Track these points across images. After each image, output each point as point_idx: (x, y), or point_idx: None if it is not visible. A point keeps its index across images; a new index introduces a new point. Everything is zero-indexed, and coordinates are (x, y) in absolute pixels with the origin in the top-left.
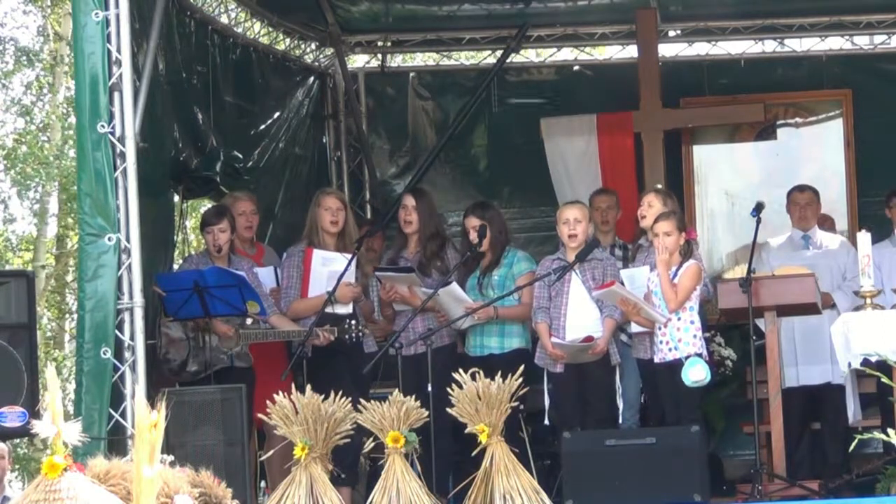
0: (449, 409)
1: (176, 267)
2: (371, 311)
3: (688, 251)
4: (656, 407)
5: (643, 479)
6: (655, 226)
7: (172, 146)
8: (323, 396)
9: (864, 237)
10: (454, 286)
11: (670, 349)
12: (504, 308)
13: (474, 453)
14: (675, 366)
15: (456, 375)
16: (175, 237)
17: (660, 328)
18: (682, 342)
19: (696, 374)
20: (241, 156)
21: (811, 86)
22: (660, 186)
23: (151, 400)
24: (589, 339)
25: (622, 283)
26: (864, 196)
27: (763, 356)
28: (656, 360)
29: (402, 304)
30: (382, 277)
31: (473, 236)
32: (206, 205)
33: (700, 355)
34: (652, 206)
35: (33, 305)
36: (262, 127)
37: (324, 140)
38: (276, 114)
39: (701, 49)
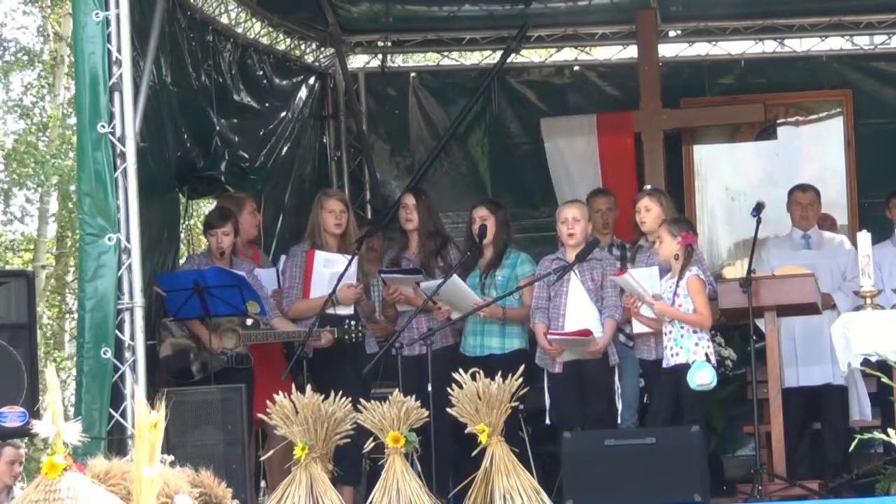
0: (449, 409)
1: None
2: (372, 311)
3: (688, 256)
4: (658, 407)
5: (643, 479)
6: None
7: (180, 147)
8: (324, 396)
9: (864, 237)
10: (455, 278)
11: (673, 354)
12: (510, 308)
13: (474, 453)
14: (680, 370)
15: (456, 375)
16: (179, 237)
17: (665, 334)
18: (684, 349)
19: (701, 377)
20: (246, 155)
21: (811, 86)
22: (649, 187)
23: (151, 400)
24: (586, 332)
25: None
26: (864, 196)
27: (763, 356)
28: (663, 365)
29: (405, 304)
30: (388, 279)
31: (476, 227)
32: (209, 204)
33: (708, 360)
34: (650, 210)
35: (33, 305)
36: (270, 127)
37: (324, 140)
38: (282, 114)
39: (701, 49)
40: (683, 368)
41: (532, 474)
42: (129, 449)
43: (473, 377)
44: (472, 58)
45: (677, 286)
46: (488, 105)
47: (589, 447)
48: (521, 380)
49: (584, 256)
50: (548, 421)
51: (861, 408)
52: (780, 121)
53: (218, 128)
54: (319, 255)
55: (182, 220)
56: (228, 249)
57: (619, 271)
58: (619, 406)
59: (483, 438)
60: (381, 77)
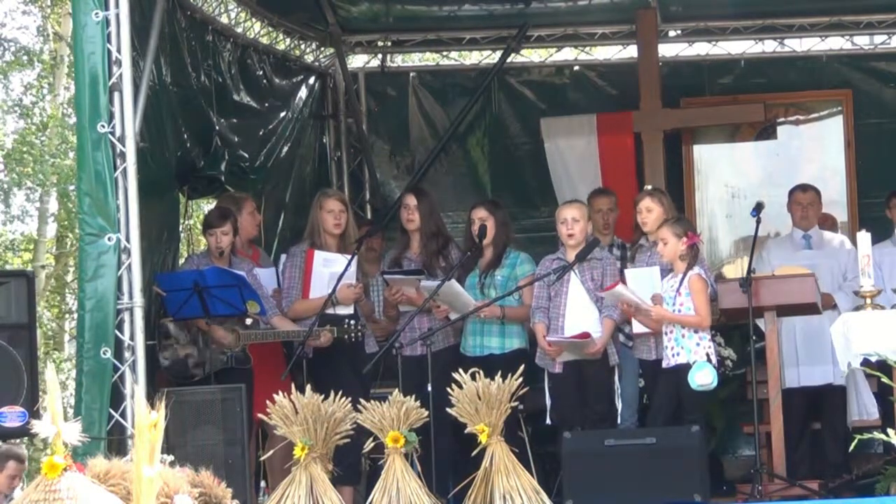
0: (449, 409)
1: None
2: (371, 311)
3: (693, 256)
4: (658, 407)
5: (643, 479)
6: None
7: (180, 147)
8: (324, 396)
9: (864, 237)
10: (452, 282)
11: (674, 354)
12: (510, 308)
13: (474, 453)
14: (680, 370)
15: (456, 375)
16: (179, 237)
17: (666, 335)
18: (685, 349)
19: (702, 377)
20: (246, 155)
21: (811, 86)
22: (650, 187)
23: (151, 400)
24: (585, 335)
25: (625, 282)
26: (864, 196)
27: (763, 356)
28: (664, 365)
29: (408, 305)
30: (390, 280)
31: (476, 228)
32: (209, 204)
33: (709, 360)
34: (651, 211)
35: (33, 305)
36: (270, 127)
37: (324, 140)
38: (282, 114)
39: (701, 49)
40: (684, 368)
41: (532, 474)
42: (129, 449)
43: (473, 377)
44: (472, 58)
45: (680, 285)
46: (488, 105)
47: (589, 447)
48: (520, 380)
49: (584, 256)
50: (548, 421)
51: (865, 407)
52: (780, 121)
53: (218, 128)
54: (319, 255)
55: (182, 220)
56: (227, 249)
57: (611, 285)
58: (619, 406)
59: (483, 438)
60: (380, 77)
